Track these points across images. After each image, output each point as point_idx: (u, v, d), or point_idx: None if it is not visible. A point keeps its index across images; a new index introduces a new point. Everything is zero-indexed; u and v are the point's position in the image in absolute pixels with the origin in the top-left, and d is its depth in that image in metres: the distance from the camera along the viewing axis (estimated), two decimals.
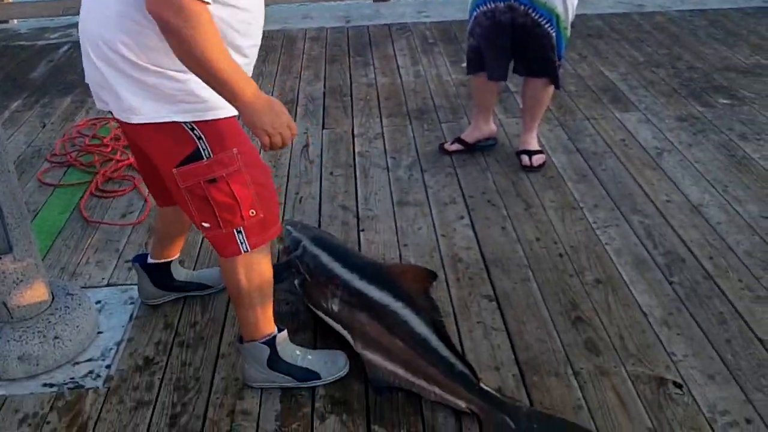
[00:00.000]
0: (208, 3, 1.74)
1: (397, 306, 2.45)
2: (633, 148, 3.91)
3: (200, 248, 3.21)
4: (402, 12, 6.79)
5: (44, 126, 4.59)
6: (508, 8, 3.41)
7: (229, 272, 2.23)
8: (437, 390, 2.29)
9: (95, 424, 2.33)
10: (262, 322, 2.33)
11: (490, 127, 3.93)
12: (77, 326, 2.64)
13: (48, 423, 2.34)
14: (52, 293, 2.69)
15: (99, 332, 2.76)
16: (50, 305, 2.65)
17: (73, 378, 2.54)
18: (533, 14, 3.38)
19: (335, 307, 2.55)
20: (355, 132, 4.33)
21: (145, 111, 1.94)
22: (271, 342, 2.35)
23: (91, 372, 2.57)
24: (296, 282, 2.76)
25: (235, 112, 1.97)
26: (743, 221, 3.20)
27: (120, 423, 2.33)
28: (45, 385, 2.52)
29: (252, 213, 2.09)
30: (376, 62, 5.49)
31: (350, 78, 5.20)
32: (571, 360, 2.45)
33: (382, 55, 5.66)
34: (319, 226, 3.36)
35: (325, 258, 2.70)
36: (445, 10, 6.67)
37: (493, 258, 3.03)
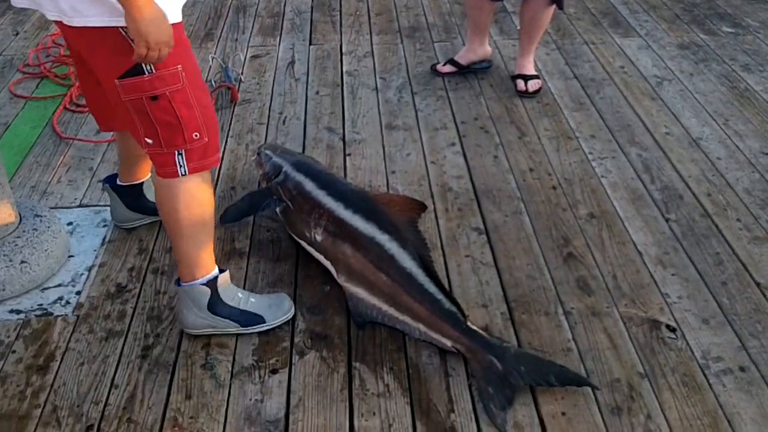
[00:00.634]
0: None
1: (383, 238, 2.33)
2: (632, 76, 3.75)
3: None
4: None
5: (17, 34, 4.36)
6: None
7: (166, 197, 2.10)
8: (422, 327, 2.20)
9: (63, 354, 2.23)
10: (203, 259, 2.18)
11: (485, 49, 3.75)
12: (46, 250, 2.51)
13: (14, 352, 2.24)
14: (19, 215, 2.55)
15: (70, 256, 2.64)
16: (17, 227, 2.52)
17: (41, 305, 2.43)
18: None
19: (318, 237, 2.43)
20: (344, 49, 4.13)
21: (85, 12, 1.80)
22: (212, 283, 2.20)
23: (60, 298, 2.46)
24: (278, 209, 2.63)
25: (177, 20, 1.85)
26: (743, 157, 3.08)
27: (89, 353, 2.23)
28: (12, 311, 2.41)
29: (196, 136, 1.97)
30: None
31: None
32: (561, 299, 2.35)
33: None
34: (304, 149, 3.22)
35: (308, 185, 2.57)
36: None
37: (484, 188, 2.90)
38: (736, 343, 2.19)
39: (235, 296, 2.25)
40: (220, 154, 2.11)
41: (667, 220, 2.69)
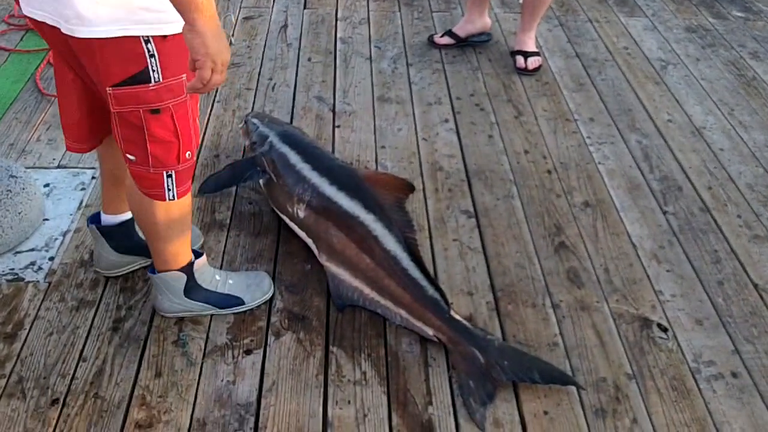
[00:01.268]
0: None
1: (368, 218, 2.24)
2: (636, 58, 3.63)
3: None
4: None
5: None
6: None
7: (145, 212, 1.93)
8: (404, 313, 2.12)
9: (32, 322, 2.14)
10: (181, 253, 2.05)
11: (484, 21, 3.62)
12: (19, 213, 2.41)
13: None
14: None
15: (45, 219, 2.54)
16: None
17: (12, 269, 2.34)
18: None
19: (301, 213, 2.34)
20: (339, 15, 4.00)
21: (97, 20, 1.56)
22: (187, 269, 2.08)
23: (32, 263, 2.36)
24: (261, 181, 2.53)
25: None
26: (747, 149, 2.98)
27: (59, 323, 2.14)
28: None
29: (188, 155, 1.80)
30: None
31: None
32: (550, 290, 2.27)
33: None
34: (292, 118, 3.11)
35: (293, 157, 2.46)
36: None
37: (476, 169, 2.81)
38: (730, 347, 2.11)
39: (212, 279, 2.15)
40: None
41: (664, 213, 2.60)
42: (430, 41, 3.69)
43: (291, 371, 2.01)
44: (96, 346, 2.07)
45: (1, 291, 2.25)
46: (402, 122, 3.09)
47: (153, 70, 1.64)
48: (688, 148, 2.96)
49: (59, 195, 2.64)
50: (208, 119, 3.09)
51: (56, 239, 2.46)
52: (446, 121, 3.10)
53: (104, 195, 2.23)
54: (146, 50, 1.61)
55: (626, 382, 1.99)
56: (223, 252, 2.41)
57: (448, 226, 2.52)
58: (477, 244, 2.44)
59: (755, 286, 2.32)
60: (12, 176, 2.48)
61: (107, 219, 2.24)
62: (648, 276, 2.33)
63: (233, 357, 2.05)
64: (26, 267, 2.35)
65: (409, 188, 2.56)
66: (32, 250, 2.42)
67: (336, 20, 3.94)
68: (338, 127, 3.05)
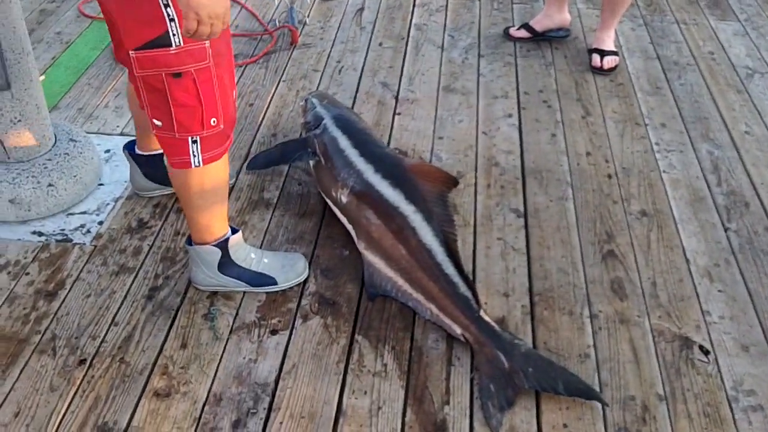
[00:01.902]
0: None
1: (408, 209, 2.20)
2: (721, 64, 3.44)
3: None
4: None
5: None
6: None
7: (179, 181, 1.96)
8: (434, 309, 2.07)
9: (73, 283, 2.21)
10: (215, 225, 2.07)
11: (563, 16, 3.51)
12: (74, 176, 2.48)
13: (27, 274, 2.23)
14: (55, 137, 2.53)
15: (100, 184, 2.61)
16: (50, 150, 2.49)
17: (63, 230, 2.41)
18: None
19: (344, 199, 2.32)
20: (417, 1, 3.94)
21: None
22: (222, 244, 2.09)
23: (82, 226, 2.43)
24: (311, 162, 2.53)
25: None
26: None
27: (98, 286, 2.19)
28: (34, 233, 2.40)
29: (213, 122, 1.81)
30: None
31: None
32: (591, 300, 2.18)
33: None
34: (354, 102, 3.08)
35: (342, 142, 2.44)
36: None
37: (533, 167, 2.72)
38: None
39: (247, 257, 2.15)
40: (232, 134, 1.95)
41: (726, 229, 2.46)
42: (506, 33, 3.61)
43: (313, 356, 2.00)
44: (129, 312, 2.11)
45: (49, 250, 2.32)
46: (464, 114, 3.02)
47: (173, 35, 1.66)
48: (762, 162, 2.78)
49: (117, 161, 2.70)
50: (272, 98, 3.10)
51: (108, 204, 2.52)
52: (510, 115, 3.02)
53: (137, 135, 2.42)
54: (166, 14, 1.64)
55: (656, 403, 1.88)
56: (266, 231, 2.41)
57: (494, 224, 2.45)
58: (521, 245, 2.37)
59: None
60: (71, 140, 2.55)
61: (139, 150, 2.42)
62: (697, 294, 2.20)
63: (258, 336, 2.05)
64: (76, 229, 2.42)
65: (453, 182, 2.51)
66: (84, 213, 2.48)
67: (413, 6, 3.90)
68: (399, 114, 3.01)
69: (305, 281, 2.21)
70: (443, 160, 2.74)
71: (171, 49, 1.68)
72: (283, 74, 3.27)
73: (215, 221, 2.06)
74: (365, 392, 1.90)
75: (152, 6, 1.63)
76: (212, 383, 1.92)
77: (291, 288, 2.19)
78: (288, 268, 2.20)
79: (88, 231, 2.41)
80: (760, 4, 4.05)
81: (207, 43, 1.70)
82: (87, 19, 3.66)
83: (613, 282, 2.24)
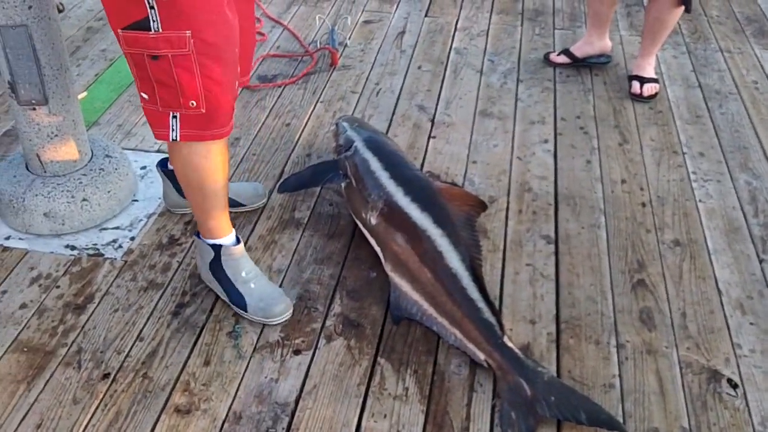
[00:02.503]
0: None
1: (435, 233, 2.19)
2: (764, 93, 3.37)
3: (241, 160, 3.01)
4: None
5: None
6: None
7: (171, 157, 2.16)
8: (458, 334, 2.05)
9: (102, 297, 2.24)
10: (207, 223, 2.15)
11: (604, 43, 3.48)
12: (109, 191, 2.52)
13: (58, 287, 2.27)
14: (91, 152, 2.58)
15: (134, 200, 2.65)
16: (85, 165, 2.54)
17: (95, 244, 2.45)
18: None
19: (373, 220, 2.32)
20: (459, 25, 3.95)
21: None
22: (216, 248, 2.16)
23: (114, 241, 2.47)
24: (342, 184, 2.53)
25: None
26: None
27: (126, 301, 2.22)
28: (67, 246, 2.44)
29: (192, 104, 1.87)
30: None
31: None
32: (618, 329, 2.14)
33: None
34: (390, 124, 3.09)
35: (373, 164, 2.45)
36: None
37: (566, 193, 2.69)
38: None
39: (237, 272, 2.17)
40: (230, 129, 1.98)
41: (761, 261, 2.39)
42: (546, 59, 3.59)
43: (334, 377, 1.99)
44: (155, 328, 2.13)
45: (80, 264, 2.36)
46: (499, 138, 3.01)
47: (153, 20, 1.75)
48: None
49: (153, 178, 2.74)
50: (309, 118, 3.13)
51: (141, 220, 2.55)
52: (545, 141, 3.00)
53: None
54: (146, 1, 1.72)
55: None
56: (294, 251, 2.42)
57: (524, 250, 2.43)
58: (550, 272, 2.34)
59: None
60: (108, 156, 2.60)
61: (171, 166, 2.46)
62: (728, 326, 2.14)
63: (281, 355, 2.05)
64: (108, 244, 2.46)
65: (482, 206, 2.49)
66: (117, 228, 2.52)
67: (455, 30, 3.91)
68: (434, 137, 3.01)
69: (330, 302, 2.21)
70: (476, 184, 2.73)
71: (150, 33, 1.77)
72: (321, 95, 3.29)
73: (210, 221, 2.13)
74: (385, 415, 1.89)
75: None
76: (233, 401, 1.93)
77: (316, 308, 2.19)
78: (264, 305, 2.16)
79: (120, 246, 2.45)
80: None
81: (188, 33, 1.76)
82: None
83: (642, 312, 2.20)
